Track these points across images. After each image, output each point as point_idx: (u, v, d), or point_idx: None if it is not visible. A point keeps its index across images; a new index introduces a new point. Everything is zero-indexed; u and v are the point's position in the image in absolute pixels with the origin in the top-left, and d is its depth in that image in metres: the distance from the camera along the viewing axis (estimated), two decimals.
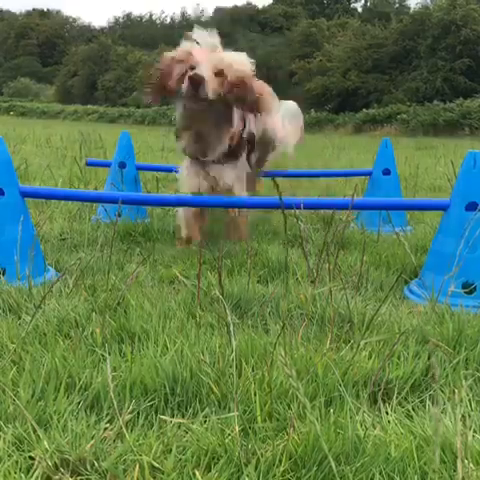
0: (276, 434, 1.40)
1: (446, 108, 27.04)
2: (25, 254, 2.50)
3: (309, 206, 3.17)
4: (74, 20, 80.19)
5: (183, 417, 1.49)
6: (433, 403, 1.59)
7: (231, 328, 1.62)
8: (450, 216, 2.60)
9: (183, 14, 73.38)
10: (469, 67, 31.06)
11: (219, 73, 2.85)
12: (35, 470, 1.24)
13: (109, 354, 1.77)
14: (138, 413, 1.48)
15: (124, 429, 1.37)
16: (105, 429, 1.40)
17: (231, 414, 1.37)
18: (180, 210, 3.35)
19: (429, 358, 1.79)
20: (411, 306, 2.42)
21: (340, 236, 2.76)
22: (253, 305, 2.32)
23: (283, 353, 1.71)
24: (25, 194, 2.73)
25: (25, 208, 2.71)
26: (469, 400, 1.59)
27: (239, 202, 3.15)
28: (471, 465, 1.24)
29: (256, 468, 1.24)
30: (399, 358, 1.80)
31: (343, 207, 2.74)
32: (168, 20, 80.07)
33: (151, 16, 78.34)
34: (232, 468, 1.26)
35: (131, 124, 33.28)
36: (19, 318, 2.11)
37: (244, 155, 3.33)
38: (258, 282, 2.70)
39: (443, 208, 2.68)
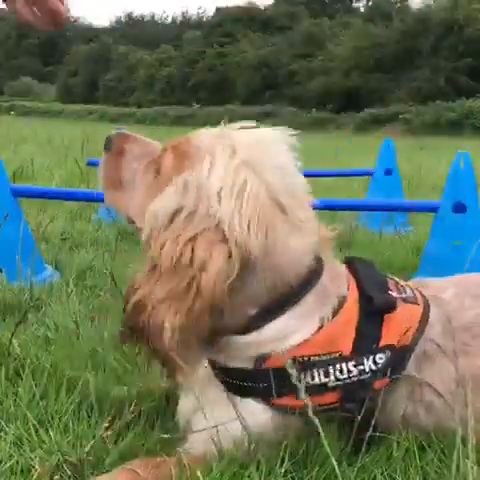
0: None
1: (449, 108, 27.02)
2: (19, 254, 2.47)
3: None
4: (75, 19, 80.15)
5: None
6: None
7: None
8: (440, 218, 2.55)
9: (184, 14, 73.40)
10: (472, 67, 31.02)
11: None
12: (36, 470, 1.23)
13: (110, 354, 1.76)
14: (139, 413, 1.48)
15: (125, 429, 1.37)
16: (106, 429, 1.40)
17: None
18: None
19: None
20: None
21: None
22: None
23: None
24: (16, 193, 2.74)
25: (18, 207, 2.71)
26: None
27: None
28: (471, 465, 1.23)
29: (258, 468, 1.24)
30: None
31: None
32: (169, 20, 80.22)
33: (152, 16, 78.43)
34: (234, 468, 1.25)
35: (133, 124, 33.26)
36: (13, 317, 2.09)
37: None
38: None
39: (433, 210, 2.62)
